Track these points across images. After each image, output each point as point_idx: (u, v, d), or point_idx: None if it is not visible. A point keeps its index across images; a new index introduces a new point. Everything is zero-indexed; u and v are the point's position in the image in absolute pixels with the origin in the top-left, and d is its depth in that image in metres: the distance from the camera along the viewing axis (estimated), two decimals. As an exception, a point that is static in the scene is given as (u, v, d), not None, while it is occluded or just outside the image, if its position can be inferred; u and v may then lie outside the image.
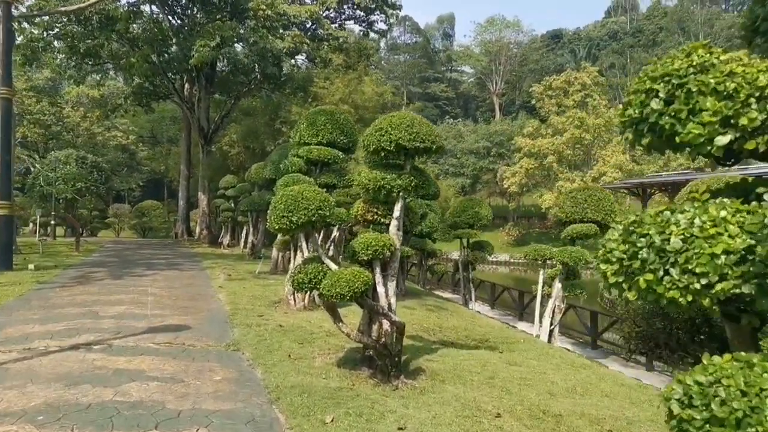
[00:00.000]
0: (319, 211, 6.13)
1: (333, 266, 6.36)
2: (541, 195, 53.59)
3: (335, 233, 17.70)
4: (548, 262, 13.50)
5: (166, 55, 30.90)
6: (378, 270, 6.90)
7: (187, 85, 33.64)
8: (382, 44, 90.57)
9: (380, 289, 6.81)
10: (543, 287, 13.62)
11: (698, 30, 70.95)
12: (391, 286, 7.07)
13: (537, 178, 56.68)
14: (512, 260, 51.75)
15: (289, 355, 7.35)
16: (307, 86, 28.26)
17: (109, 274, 15.06)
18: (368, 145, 6.96)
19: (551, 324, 12.89)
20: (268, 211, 6.32)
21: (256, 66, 27.71)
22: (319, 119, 11.09)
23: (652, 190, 31.98)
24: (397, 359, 6.77)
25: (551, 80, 58.08)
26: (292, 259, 12.17)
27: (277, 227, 6.13)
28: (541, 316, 13.36)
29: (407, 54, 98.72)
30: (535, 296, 19.79)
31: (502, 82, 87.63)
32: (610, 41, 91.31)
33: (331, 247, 15.03)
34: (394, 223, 7.13)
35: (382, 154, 6.95)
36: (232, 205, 26.34)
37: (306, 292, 6.41)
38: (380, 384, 6.59)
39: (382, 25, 31.82)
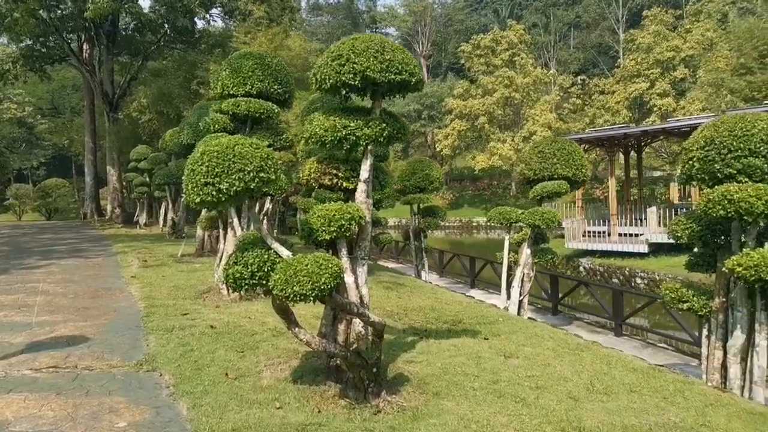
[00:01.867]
0: (260, 174, 4.17)
1: (284, 252, 4.46)
2: (474, 157, 53.06)
3: (268, 205, 15.55)
4: (514, 225, 12.11)
5: (58, 10, 26.90)
6: (344, 252, 5.07)
7: (86, 46, 29.62)
8: (303, 3, 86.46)
9: (348, 278, 4.99)
10: (509, 254, 12.24)
11: (617, -13, 71.59)
12: (362, 272, 5.26)
13: (469, 140, 56.10)
14: (447, 224, 51.15)
15: (226, 373, 5.44)
16: (226, 42, 25.33)
17: (-7, 268, 12.33)
18: (322, 79, 5.01)
19: (520, 294, 11.57)
20: (183, 178, 4.31)
21: (165, 20, 24.43)
22: (246, 64, 8.90)
23: (588, 146, 31.65)
24: (375, 370, 5.02)
25: (479, 39, 57.13)
26: (221, 237, 10.08)
27: (197, 200, 4.12)
28: (509, 285, 12.02)
29: (330, 15, 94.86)
30: (487, 263, 18.73)
31: (428, 44, 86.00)
32: (532, 0, 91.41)
33: (264, 223, 12.95)
34: (361, 187, 5.28)
35: (343, 91, 5.03)
36: (147, 178, 23.39)
37: (245, 288, 4.51)
38: (355, 406, 4.84)
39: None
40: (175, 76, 23.85)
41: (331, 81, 4.93)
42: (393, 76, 4.90)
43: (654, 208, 24.65)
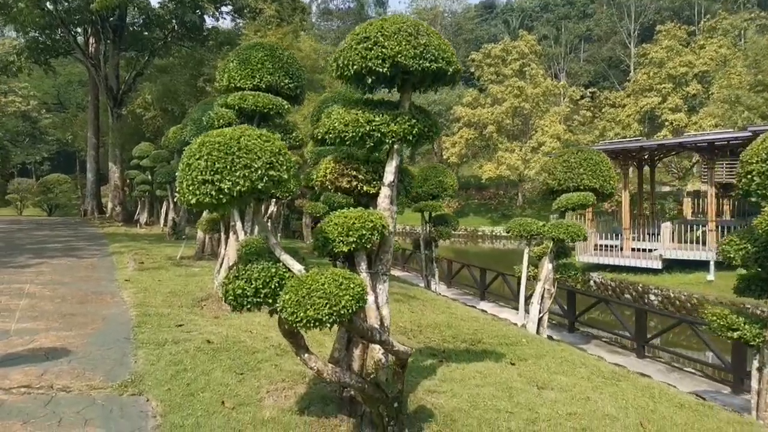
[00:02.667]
0: (270, 173, 3.47)
1: (296, 266, 3.75)
2: (481, 165, 52.42)
3: (272, 208, 14.84)
4: (534, 238, 11.37)
5: (64, 2, 26.38)
6: (363, 266, 4.36)
7: (92, 40, 29.06)
8: (314, 8, 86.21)
9: (368, 297, 4.28)
10: (528, 267, 11.51)
11: (629, 2, 71.12)
12: (383, 290, 4.55)
13: (476, 148, 55.50)
14: (452, 232, 50.34)
15: (223, 401, 4.72)
16: (235, 40, 24.73)
17: (-20, 266, 11.65)
18: (345, 65, 4.31)
19: (540, 311, 10.82)
20: (177, 174, 3.61)
21: (173, 16, 23.85)
22: (255, 56, 8.24)
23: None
24: (396, 405, 4.30)
25: (490, 48, 56.63)
26: (222, 241, 9.37)
27: (193, 201, 3.42)
28: (527, 301, 11.29)
29: (340, 20, 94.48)
30: (498, 275, 17.98)
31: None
32: (543, 12, 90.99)
33: (268, 226, 12.27)
34: (385, 192, 4.57)
35: (369, 80, 4.33)
36: (149, 176, 22.73)
37: (247, 307, 3.79)
38: (372, 447, 4.12)
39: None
40: (182, 73, 23.29)
41: (355, 67, 4.22)
42: (428, 64, 4.20)
43: (668, 224, 24.00)
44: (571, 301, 14.38)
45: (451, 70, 4.35)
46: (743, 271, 19.87)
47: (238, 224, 8.43)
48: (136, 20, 28.22)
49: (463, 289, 19.73)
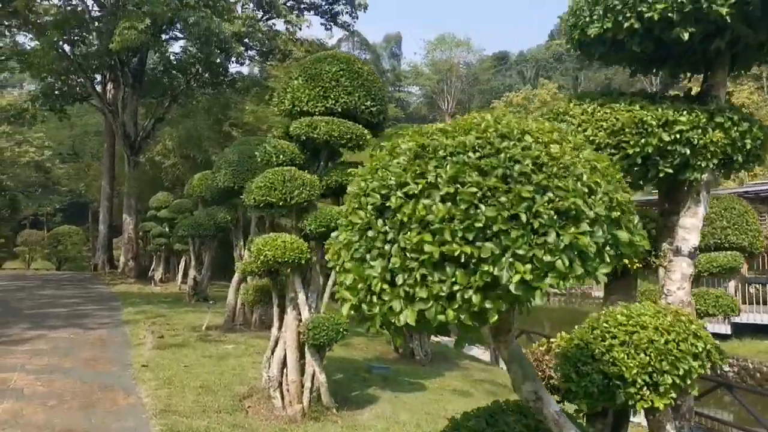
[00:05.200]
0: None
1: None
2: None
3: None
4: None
5: (82, 45, 25.13)
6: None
7: (110, 86, 27.74)
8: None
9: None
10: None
11: (648, 51, 70.53)
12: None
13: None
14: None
15: None
16: (262, 83, 23.20)
17: (-39, 341, 9.37)
18: (627, 8, 2.13)
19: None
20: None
21: (197, 60, 22.42)
22: (328, 70, 6.16)
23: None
24: None
25: (511, 96, 55.95)
26: (275, 316, 7.04)
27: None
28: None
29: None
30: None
31: (453, 102, 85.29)
32: (557, 63, 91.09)
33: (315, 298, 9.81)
34: (683, 267, 2.31)
35: (688, 36, 2.14)
36: (166, 229, 20.71)
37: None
38: None
39: (346, 18, 27.23)
40: (205, 118, 21.64)
41: (658, 9, 2.04)
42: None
43: (732, 283, 21.46)
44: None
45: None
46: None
47: (301, 296, 6.17)
48: (156, 65, 26.91)
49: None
